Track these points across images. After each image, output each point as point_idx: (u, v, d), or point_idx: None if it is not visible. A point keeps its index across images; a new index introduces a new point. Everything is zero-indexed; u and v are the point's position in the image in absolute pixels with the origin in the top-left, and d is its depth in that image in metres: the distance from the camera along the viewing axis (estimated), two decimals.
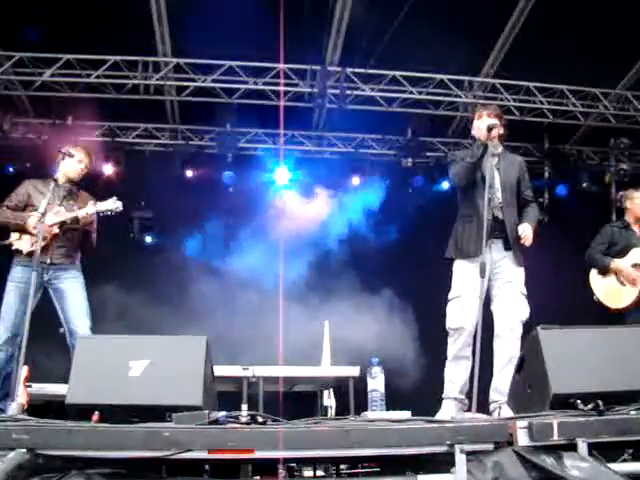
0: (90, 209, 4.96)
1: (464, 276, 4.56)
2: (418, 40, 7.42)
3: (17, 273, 4.90)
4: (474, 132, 4.73)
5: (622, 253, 5.95)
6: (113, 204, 4.99)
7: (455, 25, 6.90)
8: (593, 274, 6.07)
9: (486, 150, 4.48)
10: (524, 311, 4.50)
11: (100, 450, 2.68)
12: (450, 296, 4.60)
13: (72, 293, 4.98)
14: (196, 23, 7.08)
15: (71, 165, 5.14)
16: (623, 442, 2.96)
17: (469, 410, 4.29)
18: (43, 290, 4.95)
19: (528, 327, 3.56)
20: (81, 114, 8.35)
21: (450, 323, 4.53)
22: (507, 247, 4.58)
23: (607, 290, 5.93)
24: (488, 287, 4.50)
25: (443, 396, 4.54)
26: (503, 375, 4.34)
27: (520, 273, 4.59)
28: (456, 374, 4.50)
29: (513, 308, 4.47)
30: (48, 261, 4.91)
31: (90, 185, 5.42)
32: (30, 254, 4.79)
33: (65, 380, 3.39)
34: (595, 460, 2.71)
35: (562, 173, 9.61)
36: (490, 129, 4.48)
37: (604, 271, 5.96)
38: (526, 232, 4.54)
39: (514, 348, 4.38)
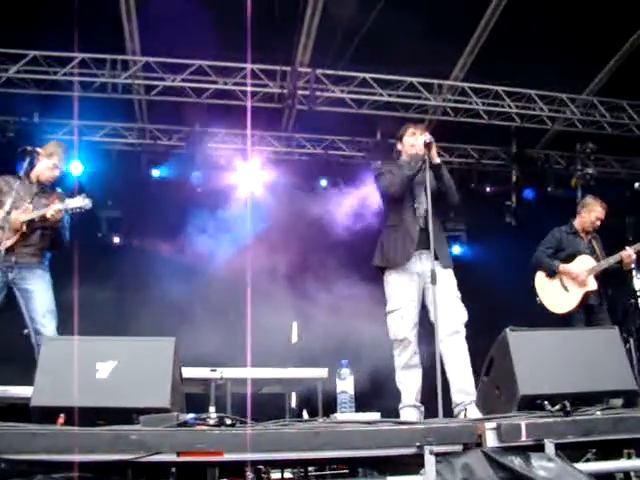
0: (58, 206, 4.86)
1: (398, 287, 4.64)
2: (388, 43, 7.47)
3: None
4: (405, 148, 4.88)
5: (569, 259, 6.02)
6: (82, 201, 4.89)
7: (426, 28, 6.92)
8: (539, 277, 6.12)
9: (424, 164, 4.59)
10: (463, 313, 4.58)
11: (66, 454, 2.63)
12: (389, 308, 4.66)
13: (38, 293, 4.89)
14: (165, 22, 7.01)
15: (46, 170, 5.04)
16: (588, 442, 3.01)
17: (428, 417, 4.34)
18: (7, 290, 4.85)
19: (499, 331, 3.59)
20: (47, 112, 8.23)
21: (395, 335, 4.59)
22: (435, 256, 4.62)
23: (551, 295, 6.00)
24: (423, 297, 4.60)
25: (401, 405, 4.57)
26: (462, 375, 4.39)
27: (451, 278, 4.66)
28: (410, 382, 4.56)
29: (452, 312, 4.52)
30: (13, 260, 4.82)
31: (56, 185, 5.31)
32: None
33: (29, 382, 3.33)
34: (562, 460, 2.75)
35: (529, 177, 9.74)
36: (427, 144, 4.60)
37: (551, 275, 6.04)
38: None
39: (463, 348, 4.46)
